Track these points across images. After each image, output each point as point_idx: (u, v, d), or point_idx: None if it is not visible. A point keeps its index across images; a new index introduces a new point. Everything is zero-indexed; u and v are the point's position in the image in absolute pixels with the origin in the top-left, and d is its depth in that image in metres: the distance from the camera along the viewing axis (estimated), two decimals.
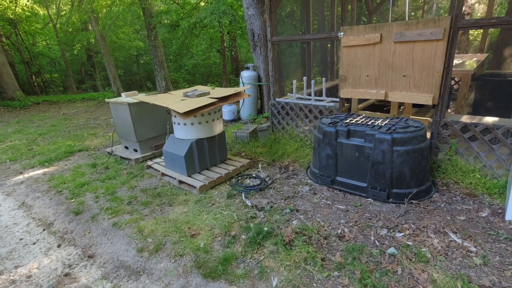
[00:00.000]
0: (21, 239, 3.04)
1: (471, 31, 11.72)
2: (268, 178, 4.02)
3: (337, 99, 4.54)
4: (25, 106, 11.58)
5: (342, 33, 4.03)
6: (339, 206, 3.22)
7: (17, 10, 14.77)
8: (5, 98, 12.22)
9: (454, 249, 2.43)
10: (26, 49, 16.37)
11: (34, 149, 5.97)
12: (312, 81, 4.91)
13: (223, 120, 7.33)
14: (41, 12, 17.91)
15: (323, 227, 2.87)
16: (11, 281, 2.45)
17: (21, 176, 4.65)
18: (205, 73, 19.26)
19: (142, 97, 4.36)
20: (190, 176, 3.93)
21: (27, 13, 15.52)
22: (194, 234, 2.88)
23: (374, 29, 3.73)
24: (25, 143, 6.45)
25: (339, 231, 2.78)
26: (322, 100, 4.85)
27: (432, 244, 2.51)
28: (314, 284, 2.20)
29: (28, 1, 15.68)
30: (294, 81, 5.10)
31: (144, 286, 2.31)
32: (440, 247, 2.47)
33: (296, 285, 2.20)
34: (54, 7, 18.53)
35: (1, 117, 9.73)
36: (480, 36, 9.97)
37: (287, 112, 5.20)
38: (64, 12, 18.00)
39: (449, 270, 2.23)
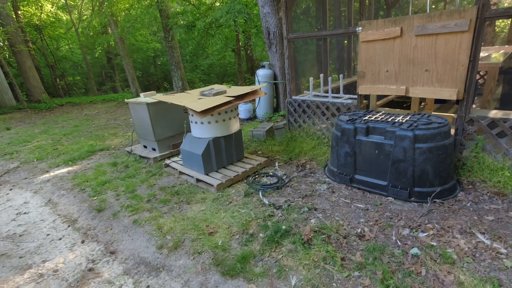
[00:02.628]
0: (48, 234, 3.17)
1: (497, 22, 11.15)
2: (285, 176, 3.99)
3: (355, 96, 4.44)
4: (50, 108, 12.10)
5: (360, 28, 3.93)
6: (358, 205, 3.15)
7: (42, 17, 15.46)
8: (32, 101, 12.82)
9: (483, 251, 2.32)
10: (50, 53, 17.11)
11: (59, 149, 6.22)
12: (329, 78, 4.82)
13: (239, 118, 7.34)
14: (64, 18, 18.67)
15: (342, 226, 2.81)
16: (39, 275, 2.56)
17: (47, 175, 4.86)
18: (221, 72, 19.40)
19: (160, 96, 4.44)
20: (207, 175, 3.96)
21: (51, 19, 16.24)
22: (212, 232, 2.90)
23: (394, 22, 3.61)
24: (51, 143, 6.73)
25: (359, 230, 2.72)
26: (340, 97, 4.76)
27: (458, 245, 2.40)
28: (334, 284, 2.16)
29: (52, 8, 16.38)
30: (311, 79, 5.04)
31: (164, 283, 2.35)
32: (467, 248, 2.36)
33: (316, 284, 2.16)
34: (76, 12, 19.24)
35: (28, 119, 10.21)
36: (508, 27, 9.45)
37: (303, 110, 5.14)
38: (85, 16, 18.65)
39: (477, 272, 2.13)
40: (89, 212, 3.57)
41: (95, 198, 3.89)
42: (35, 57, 15.40)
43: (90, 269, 2.58)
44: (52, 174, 4.88)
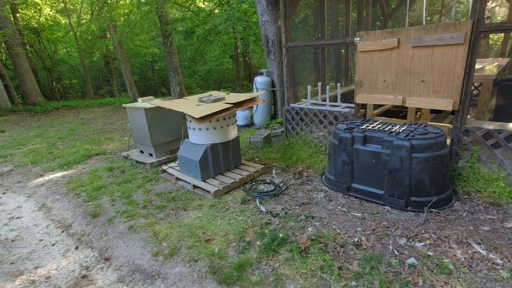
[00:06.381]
0: (41, 240, 3.12)
1: (491, 36, 11.39)
2: (282, 184, 3.99)
3: (352, 105, 4.48)
4: (46, 111, 12.00)
5: (358, 39, 4.00)
6: (356, 214, 3.15)
7: (41, 20, 15.45)
8: (27, 103, 12.72)
9: (479, 261, 2.33)
10: (48, 56, 17.06)
11: (54, 153, 6.16)
12: (327, 87, 4.87)
13: (237, 125, 7.35)
14: (62, 21, 18.69)
15: (339, 234, 2.81)
16: (31, 281, 2.51)
17: (41, 179, 4.80)
18: (218, 78, 19.49)
19: (158, 102, 4.44)
20: (204, 181, 3.94)
21: (50, 22, 16.23)
22: (208, 239, 2.87)
23: (392, 34, 3.67)
24: (46, 147, 6.67)
25: (356, 239, 2.72)
26: (337, 106, 4.80)
27: (454, 255, 2.41)
28: None
29: (51, 11, 16.39)
30: (309, 87, 5.08)
31: None
32: (463, 259, 2.36)
33: None
34: (75, 16, 19.28)
35: (23, 122, 10.11)
36: (501, 41, 9.68)
37: (301, 117, 5.17)
38: (84, 20, 18.68)
39: (473, 283, 2.13)
40: (84, 217, 3.52)
41: (90, 203, 3.84)
42: (32, 59, 15.33)
43: (84, 276, 2.53)
44: (46, 178, 4.82)
